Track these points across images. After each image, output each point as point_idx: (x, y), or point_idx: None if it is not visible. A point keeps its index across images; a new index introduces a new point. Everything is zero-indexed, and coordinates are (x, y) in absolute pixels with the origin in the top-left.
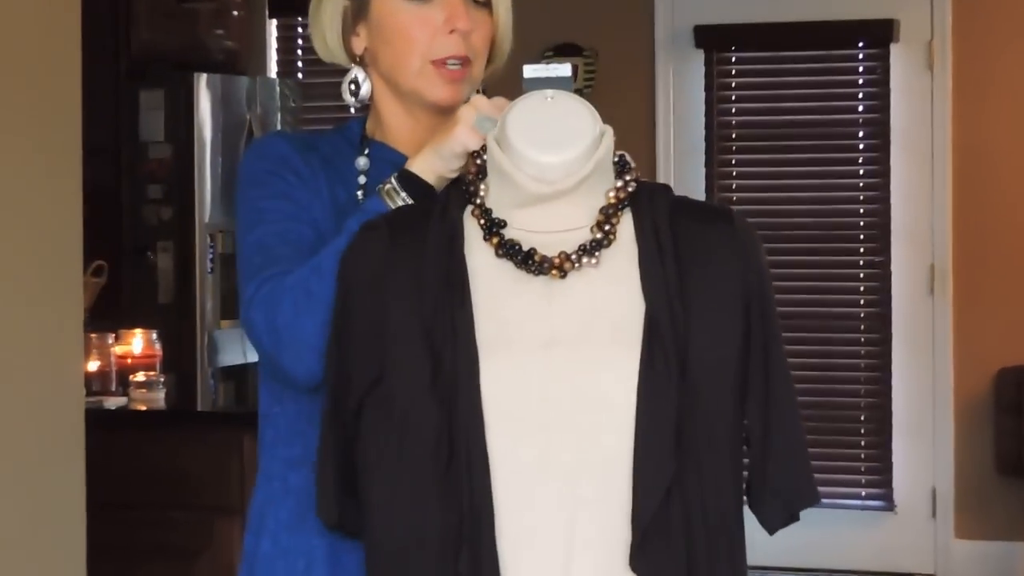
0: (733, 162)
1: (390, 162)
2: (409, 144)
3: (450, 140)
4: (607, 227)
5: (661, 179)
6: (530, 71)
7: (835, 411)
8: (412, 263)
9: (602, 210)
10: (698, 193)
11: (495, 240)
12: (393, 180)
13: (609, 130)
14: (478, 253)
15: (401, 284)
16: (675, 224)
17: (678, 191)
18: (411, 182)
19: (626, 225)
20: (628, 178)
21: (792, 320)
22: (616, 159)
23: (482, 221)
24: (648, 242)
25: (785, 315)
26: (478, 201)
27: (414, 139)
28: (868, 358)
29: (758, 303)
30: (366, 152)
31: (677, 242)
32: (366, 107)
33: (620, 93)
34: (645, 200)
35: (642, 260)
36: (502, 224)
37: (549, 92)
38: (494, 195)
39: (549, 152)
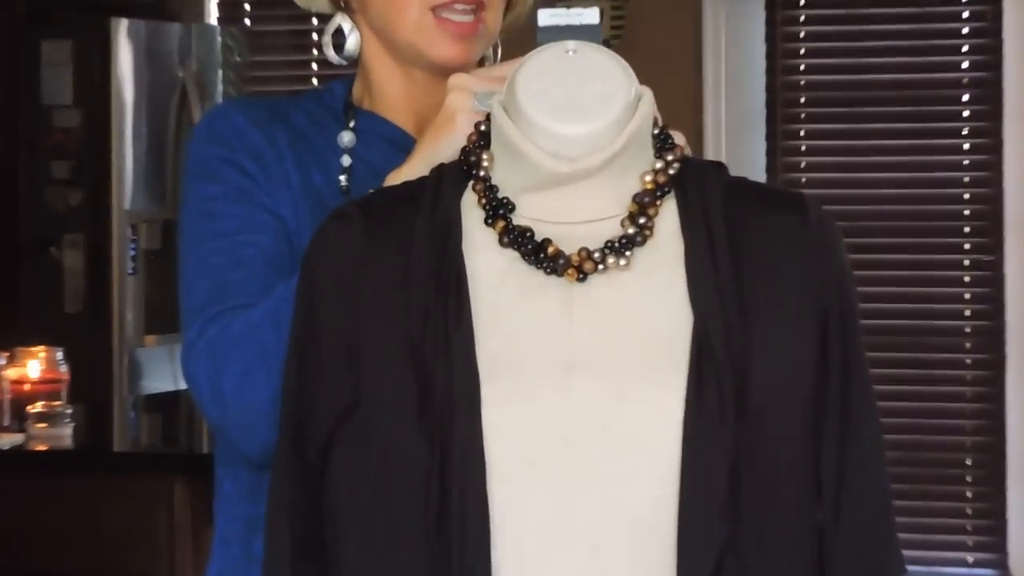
0: (802, 134)
1: (383, 137)
2: (406, 114)
3: (446, 140)
4: (642, 219)
5: (710, 157)
6: (546, 17)
7: (934, 453)
8: (394, 262)
9: (636, 197)
10: (758, 174)
11: (500, 225)
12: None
13: (648, 93)
14: (480, 249)
15: (380, 289)
16: (731, 214)
17: (733, 173)
18: None
19: (668, 216)
20: (671, 157)
21: (879, 337)
22: (656, 131)
23: (484, 200)
24: (697, 238)
25: (870, 331)
26: (481, 174)
27: (412, 108)
28: (976, 385)
29: (838, 317)
30: (352, 124)
31: (734, 238)
32: (353, 66)
33: (657, 46)
34: (693, 183)
35: (689, 261)
36: (510, 206)
37: (570, 44)
38: (500, 174)
39: (570, 121)
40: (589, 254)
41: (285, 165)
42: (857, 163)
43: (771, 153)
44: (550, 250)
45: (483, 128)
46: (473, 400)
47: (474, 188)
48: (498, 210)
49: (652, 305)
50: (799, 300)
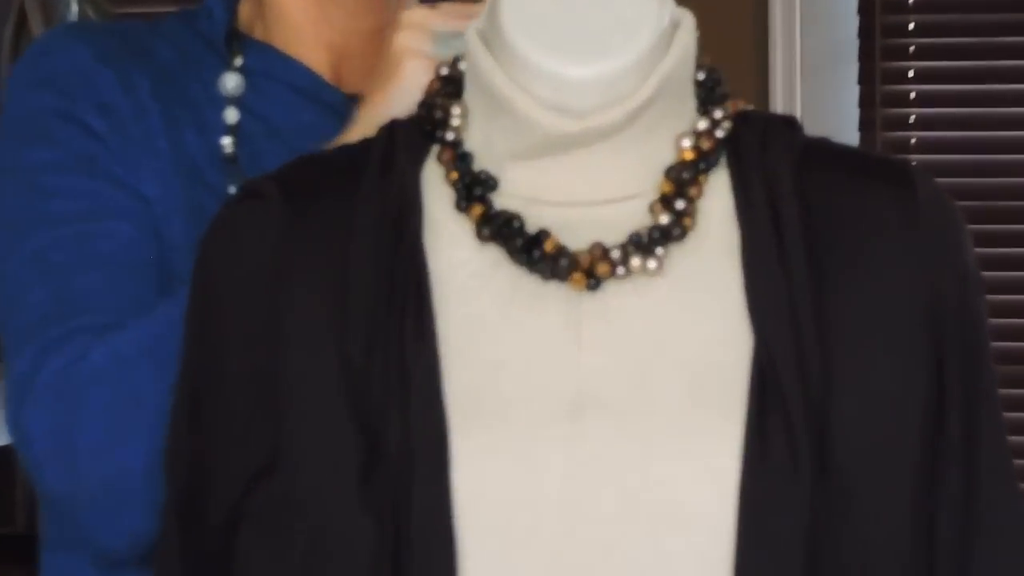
0: (910, 75)
1: (283, 81)
2: (316, 48)
3: (396, 92)
4: (679, 203)
5: (778, 106)
6: None
7: None
8: (327, 261)
9: (671, 172)
10: (846, 133)
11: (477, 211)
12: None
13: (687, 19)
14: (449, 243)
15: (308, 300)
16: (807, 193)
17: (810, 129)
18: None
19: (718, 195)
20: (720, 112)
21: (1015, 367)
22: (701, 76)
23: (454, 175)
24: (758, 227)
25: (1003, 356)
26: (449, 138)
27: (326, 39)
28: None
29: (958, 338)
30: (238, 62)
31: (810, 226)
32: None
33: None
34: (753, 149)
35: (747, 259)
36: (490, 184)
37: None
38: (476, 135)
39: (577, 60)
40: (604, 252)
41: (148, 122)
42: (991, 116)
43: (865, 103)
44: (547, 246)
45: (446, 72)
46: (439, 457)
47: (440, 157)
48: (473, 189)
49: (695, 322)
50: (903, 315)
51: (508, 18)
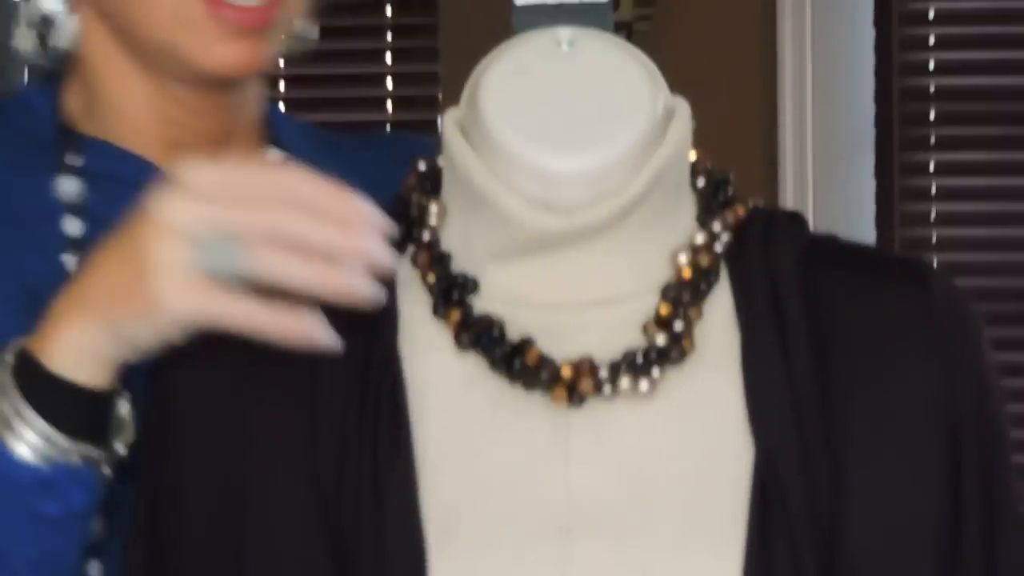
0: (931, 168)
1: (128, 182)
2: (154, 145)
3: (133, 319)
4: (678, 325)
5: (788, 199)
6: None
7: None
8: (294, 371)
9: (667, 291)
10: (862, 228)
11: (455, 316)
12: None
13: (682, 108)
14: (426, 349)
15: (273, 415)
16: (813, 292)
17: (822, 225)
18: (46, 386)
19: (715, 291)
20: (718, 226)
21: None
22: (700, 183)
23: (432, 278)
24: (760, 328)
25: None
26: (425, 238)
27: (163, 132)
28: None
29: (976, 448)
30: (75, 163)
31: (817, 327)
32: (59, 66)
33: (706, 32)
34: (754, 244)
35: (747, 363)
36: (469, 286)
37: (564, 33)
38: (455, 232)
39: (563, 151)
40: (591, 368)
41: None
42: (1018, 213)
43: (882, 197)
44: (529, 356)
45: (424, 168)
46: None
47: (415, 259)
48: (450, 293)
49: (691, 433)
50: (917, 421)
51: (488, 107)
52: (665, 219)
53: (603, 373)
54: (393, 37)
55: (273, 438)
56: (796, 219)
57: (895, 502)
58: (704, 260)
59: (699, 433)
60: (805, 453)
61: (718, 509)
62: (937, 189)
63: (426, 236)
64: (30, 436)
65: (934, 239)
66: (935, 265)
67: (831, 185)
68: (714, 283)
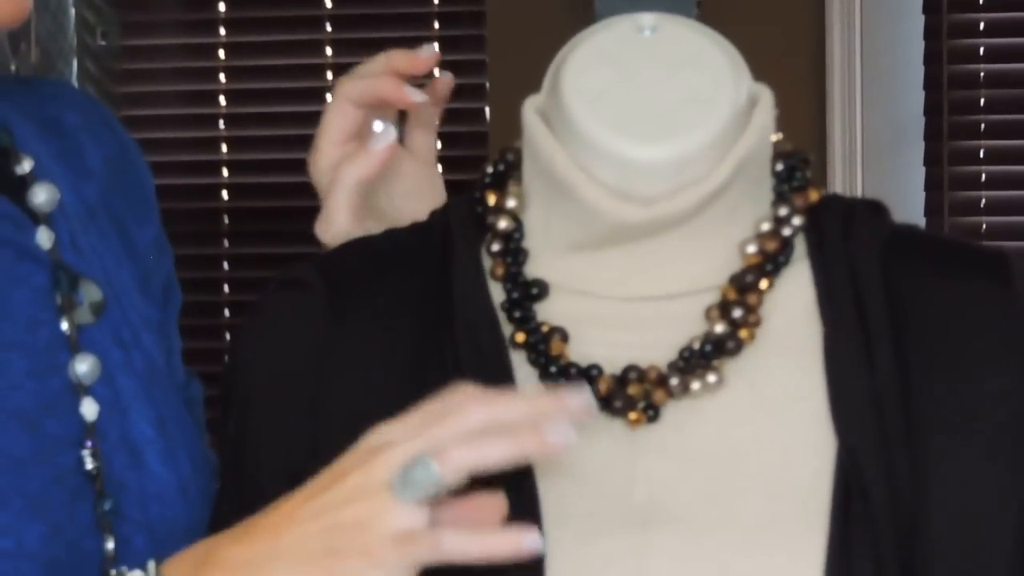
0: (981, 155)
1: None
2: None
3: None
4: (736, 312)
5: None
6: None
7: None
8: (373, 356)
9: (735, 278)
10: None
11: (520, 338)
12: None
13: (766, 96)
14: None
15: (351, 400)
16: (896, 284)
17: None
18: None
19: (796, 285)
20: (785, 209)
21: None
22: (780, 162)
23: (502, 276)
24: (843, 322)
25: None
26: (501, 224)
27: None
28: None
29: None
30: None
31: (900, 319)
32: None
33: (757, 21)
34: (835, 236)
35: (830, 357)
36: (538, 292)
37: (646, 19)
38: (535, 221)
39: (645, 139)
40: (659, 377)
41: None
42: None
43: (932, 186)
44: (601, 386)
45: (508, 156)
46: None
47: (488, 249)
48: (520, 302)
49: (772, 427)
50: (1002, 418)
51: (570, 94)
52: (745, 209)
53: (674, 382)
54: (440, 25)
55: (350, 422)
56: (877, 208)
57: (977, 501)
58: (770, 245)
59: (779, 426)
60: (886, 448)
61: (798, 505)
62: (987, 177)
63: (502, 224)
64: None
65: (984, 227)
66: None
67: (881, 173)
68: (782, 266)
